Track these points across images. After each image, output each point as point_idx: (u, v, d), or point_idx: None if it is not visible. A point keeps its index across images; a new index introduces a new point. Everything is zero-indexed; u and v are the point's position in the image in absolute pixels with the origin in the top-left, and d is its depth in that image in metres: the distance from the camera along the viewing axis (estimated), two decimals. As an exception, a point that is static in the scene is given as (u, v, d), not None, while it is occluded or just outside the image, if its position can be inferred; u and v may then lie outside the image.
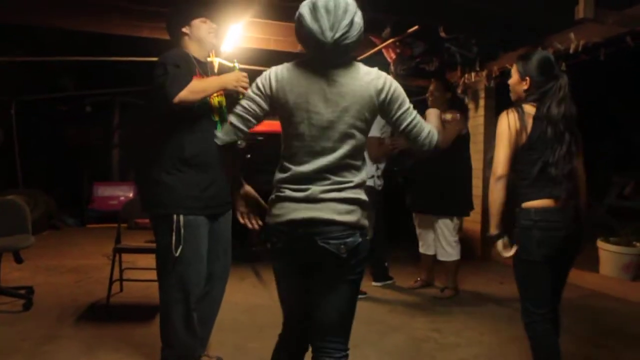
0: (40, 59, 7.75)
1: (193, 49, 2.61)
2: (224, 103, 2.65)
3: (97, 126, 10.28)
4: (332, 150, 1.84)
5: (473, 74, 5.92)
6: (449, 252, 4.45)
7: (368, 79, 1.85)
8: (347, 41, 1.79)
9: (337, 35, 1.76)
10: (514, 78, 2.53)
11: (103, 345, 3.24)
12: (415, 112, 1.92)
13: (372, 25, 5.37)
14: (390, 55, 5.69)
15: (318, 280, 1.91)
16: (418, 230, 4.72)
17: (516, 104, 2.46)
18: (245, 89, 2.38)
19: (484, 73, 5.85)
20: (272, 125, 2.16)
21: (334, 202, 1.82)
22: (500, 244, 2.43)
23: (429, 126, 1.94)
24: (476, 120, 6.43)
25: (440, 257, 4.53)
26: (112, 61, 7.45)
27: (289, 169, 1.88)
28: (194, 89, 2.33)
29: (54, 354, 3.10)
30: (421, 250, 4.74)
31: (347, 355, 1.94)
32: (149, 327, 3.53)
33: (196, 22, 2.60)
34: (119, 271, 4.28)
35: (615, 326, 3.90)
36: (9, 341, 3.28)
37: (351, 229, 1.83)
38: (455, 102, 4.70)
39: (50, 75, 9.08)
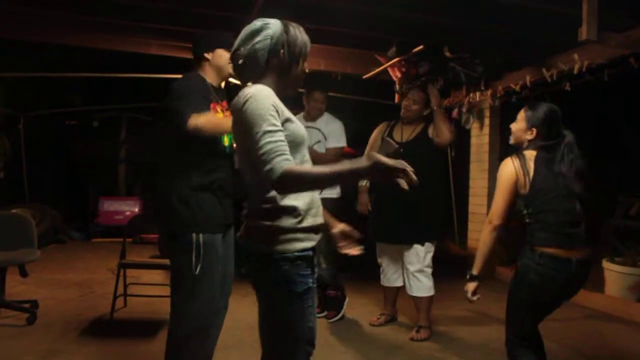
0: (48, 74, 7.86)
1: (210, 74, 2.67)
2: None
3: (104, 141, 10.36)
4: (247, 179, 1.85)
5: (478, 94, 5.95)
6: (420, 285, 3.91)
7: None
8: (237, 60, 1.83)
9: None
10: (519, 125, 2.57)
11: (106, 360, 3.25)
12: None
13: (377, 45, 5.43)
14: (395, 74, 5.73)
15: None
16: (380, 261, 4.21)
17: (517, 152, 2.51)
18: None
19: (489, 92, 5.88)
20: None
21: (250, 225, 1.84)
22: (472, 286, 2.53)
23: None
24: (481, 139, 6.45)
25: (411, 292, 3.96)
26: (119, 77, 7.56)
27: None
28: (210, 121, 2.40)
29: (57, 368, 3.11)
30: (384, 283, 4.23)
31: None
32: (153, 343, 3.53)
33: (220, 51, 2.66)
34: (123, 286, 4.29)
35: (620, 347, 3.87)
36: (13, 355, 3.29)
37: (251, 255, 1.82)
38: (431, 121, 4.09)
39: (58, 90, 9.19)
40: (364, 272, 6.21)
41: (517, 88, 5.35)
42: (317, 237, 1.85)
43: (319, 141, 4.33)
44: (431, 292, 3.94)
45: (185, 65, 2.89)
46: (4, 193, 7.55)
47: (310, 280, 1.81)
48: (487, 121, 6.33)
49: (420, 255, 3.91)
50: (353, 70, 6.07)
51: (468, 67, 5.51)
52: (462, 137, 6.69)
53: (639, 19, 4.03)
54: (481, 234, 2.50)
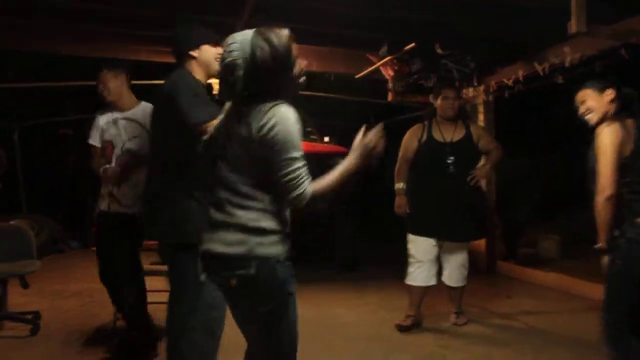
0: (42, 84, 7.85)
1: (197, 71, 2.62)
2: None
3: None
4: (229, 177, 1.82)
5: (471, 89, 5.97)
6: (462, 276, 4.14)
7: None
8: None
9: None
10: (592, 98, 2.56)
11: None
12: None
13: (369, 44, 5.44)
14: (388, 73, 5.75)
15: (233, 312, 1.93)
16: (414, 259, 4.05)
17: (617, 117, 2.45)
18: None
19: (482, 88, 5.90)
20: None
21: (224, 231, 1.79)
22: (605, 259, 2.43)
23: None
24: (476, 135, 6.46)
25: (456, 284, 4.13)
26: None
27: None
28: None
29: (62, 378, 3.12)
30: (413, 282, 4.06)
31: None
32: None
33: (205, 47, 2.61)
34: (125, 294, 4.29)
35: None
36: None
37: (242, 261, 1.75)
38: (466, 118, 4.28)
39: (53, 100, 9.18)
40: (363, 271, 6.25)
41: (510, 83, 5.38)
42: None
43: (135, 137, 3.40)
44: (466, 281, 4.18)
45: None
46: (1, 205, 7.52)
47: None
48: (481, 117, 6.33)
49: (464, 250, 4.13)
50: (346, 70, 6.09)
51: (460, 63, 5.53)
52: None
53: (627, 11, 4.05)
54: (595, 208, 2.39)
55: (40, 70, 7.95)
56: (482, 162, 4.12)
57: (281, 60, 1.77)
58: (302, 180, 1.72)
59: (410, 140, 4.12)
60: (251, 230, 1.75)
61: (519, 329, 4.09)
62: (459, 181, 3.92)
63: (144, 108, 3.43)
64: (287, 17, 4.62)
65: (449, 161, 3.93)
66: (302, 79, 1.87)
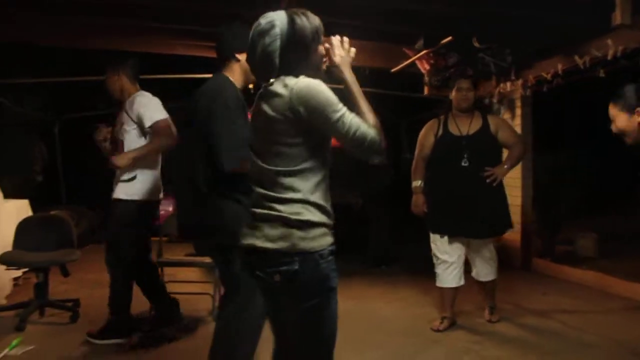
0: (80, 79, 8.03)
1: (237, 74, 2.61)
2: None
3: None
4: (265, 170, 1.80)
5: (508, 84, 5.86)
6: (493, 270, 4.04)
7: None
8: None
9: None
10: (620, 119, 2.41)
11: (147, 356, 3.35)
12: None
13: (405, 38, 5.40)
14: (424, 67, 5.69)
15: (272, 310, 1.91)
16: (440, 259, 3.96)
17: None
18: None
19: (520, 82, 5.78)
20: None
21: (266, 225, 1.77)
22: None
23: None
24: (512, 129, 6.35)
25: (485, 278, 4.04)
26: (148, 79, 7.67)
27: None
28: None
29: (101, 365, 3.20)
30: (444, 284, 3.97)
31: None
32: (191, 340, 3.61)
33: None
34: (161, 284, 4.37)
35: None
36: (58, 351, 3.42)
37: (286, 256, 1.72)
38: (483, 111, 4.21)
39: (92, 94, 9.39)
40: (399, 266, 6.24)
41: (549, 77, 5.26)
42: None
43: (122, 124, 3.86)
44: (496, 275, 4.09)
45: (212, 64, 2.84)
46: (42, 196, 7.74)
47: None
48: (518, 111, 6.22)
49: (489, 244, 4.02)
50: (381, 64, 6.05)
51: (497, 56, 5.44)
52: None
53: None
54: None
55: (79, 64, 8.13)
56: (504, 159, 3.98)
57: (315, 31, 1.84)
58: (361, 129, 1.72)
59: (426, 136, 4.03)
60: (294, 224, 1.72)
61: (554, 327, 4.01)
62: (476, 175, 3.80)
63: (134, 97, 3.79)
64: (323, 10, 4.60)
65: (465, 155, 3.81)
66: (324, 64, 1.90)
